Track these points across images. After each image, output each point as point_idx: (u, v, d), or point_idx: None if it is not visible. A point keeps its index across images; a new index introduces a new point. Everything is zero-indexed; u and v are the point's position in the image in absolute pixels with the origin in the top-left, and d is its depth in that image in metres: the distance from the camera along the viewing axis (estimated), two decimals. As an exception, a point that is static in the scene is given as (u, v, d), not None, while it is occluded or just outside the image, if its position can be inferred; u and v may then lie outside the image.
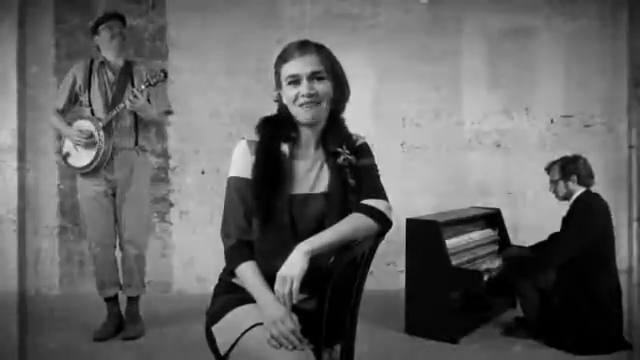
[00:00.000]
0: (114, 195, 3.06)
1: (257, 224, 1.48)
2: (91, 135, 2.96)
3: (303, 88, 1.45)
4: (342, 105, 1.56)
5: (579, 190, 2.95)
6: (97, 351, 2.88)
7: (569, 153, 3.11)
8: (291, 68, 1.46)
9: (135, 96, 2.87)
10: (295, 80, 1.46)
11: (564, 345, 2.84)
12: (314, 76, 1.45)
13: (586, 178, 2.96)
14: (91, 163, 2.97)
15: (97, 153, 2.96)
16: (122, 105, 2.92)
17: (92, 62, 3.05)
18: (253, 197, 1.47)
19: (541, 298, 2.95)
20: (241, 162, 1.51)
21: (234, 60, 4.06)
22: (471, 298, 3.20)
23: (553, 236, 3.15)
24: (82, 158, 3.00)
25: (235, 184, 1.51)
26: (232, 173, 1.53)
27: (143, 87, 2.93)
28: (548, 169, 3.07)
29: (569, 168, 2.96)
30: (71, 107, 3.11)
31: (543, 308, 2.96)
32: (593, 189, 3.00)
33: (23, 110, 3.88)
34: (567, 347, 2.82)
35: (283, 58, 1.49)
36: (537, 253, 3.08)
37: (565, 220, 2.99)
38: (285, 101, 1.50)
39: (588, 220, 2.87)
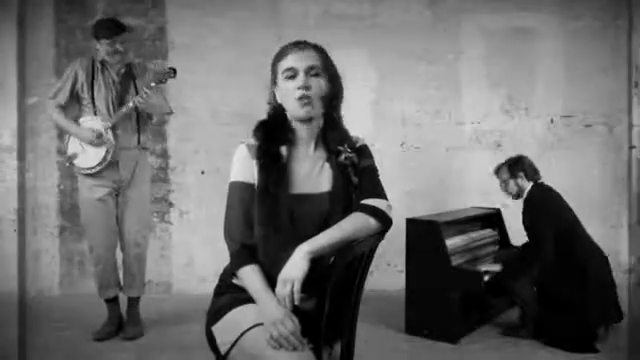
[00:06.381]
0: (117, 195, 3.06)
1: (260, 227, 1.47)
2: (101, 135, 2.93)
3: (299, 81, 1.46)
4: (337, 104, 1.57)
5: (528, 185, 3.10)
6: (97, 351, 2.89)
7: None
8: (289, 62, 1.48)
9: (146, 93, 2.88)
10: (292, 74, 1.48)
11: (563, 344, 2.84)
12: (310, 71, 1.48)
13: (533, 174, 3.12)
14: (100, 163, 2.94)
15: (107, 153, 2.94)
16: (131, 104, 2.91)
17: (94, 61, 3.02)
18: (258, 201, 1.46)
19: (538, 295, 2.97)
20: (242, 166, 1.51)
21: (234, 60, 4.06)
22: (471, 298, 3.20)
23: (525, 246, 3.19)
24: (90, 159, 2.96)
25: (237, 188, 1.51)
26: (233, 178, 1.52)
27: (153, 84, 2.92)
28: (497, 171, 3.22)
29: (516, 167, 3.12)
30: (72, 104, 3.06)
31: (540, 304, 2.96)
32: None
33: (23, 110, 3.88)
34: (566, 346, 2.82)
35: (281, 54, 1.51)
36: (520, 255, 3.13)
37: (524, 218, 3.06)
38: (279, 98, 1.52)
39: (544, 205, 3.00)
